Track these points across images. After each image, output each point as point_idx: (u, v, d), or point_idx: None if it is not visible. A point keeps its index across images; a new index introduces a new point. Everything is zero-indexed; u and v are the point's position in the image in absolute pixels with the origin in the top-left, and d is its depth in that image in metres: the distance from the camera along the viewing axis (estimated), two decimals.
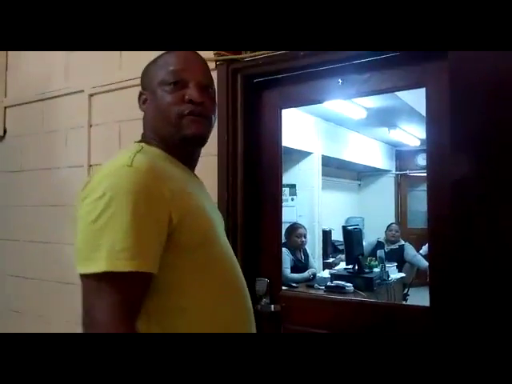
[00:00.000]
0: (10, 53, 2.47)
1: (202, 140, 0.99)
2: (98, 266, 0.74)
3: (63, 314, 2.16)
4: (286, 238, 3.74)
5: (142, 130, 2.00)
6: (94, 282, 0.76)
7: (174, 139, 0.96)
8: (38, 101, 2.32)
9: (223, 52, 1.69)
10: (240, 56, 1.69)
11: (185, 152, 0.99)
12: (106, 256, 0.74)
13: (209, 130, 0.99)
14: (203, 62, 1.04)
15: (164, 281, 0.81)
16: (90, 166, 2.10)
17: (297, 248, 3.82)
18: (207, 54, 1.71)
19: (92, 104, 2.12)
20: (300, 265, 3.75)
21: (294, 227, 3.85)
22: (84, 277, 0.78)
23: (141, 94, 1.05)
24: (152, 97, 1.00)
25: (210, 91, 1.01)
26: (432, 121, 1.43)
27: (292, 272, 3.61)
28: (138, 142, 1.00)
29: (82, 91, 2.13)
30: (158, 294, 0.81)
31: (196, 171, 1.79)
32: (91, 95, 2.12)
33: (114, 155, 0.92)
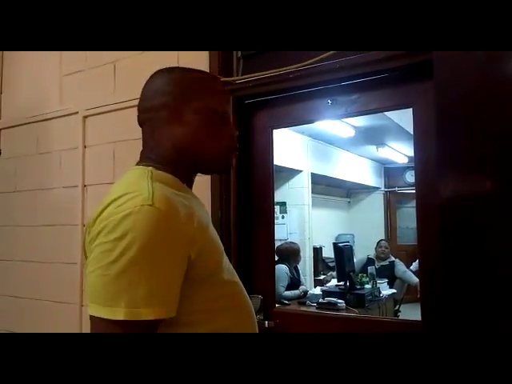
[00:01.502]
0: (5, 74, 2.51)
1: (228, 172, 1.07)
2: (117, 313, 0.70)
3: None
4: (287, 257, 3.87)
5: (135, 151, 2.04)
6: (109, 324, 0.71)
7: (206, 168, 0.96)
8: (32, 122, 2.34)
9: (215, 74, 1.74)
10: (231, 78, 1.74)
11: (194, 177, 0.96)
12: (125, 305, 0.70)
13: None
14: None
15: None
16: (85, 186, 2.13)
17: (295, 265, 3.95)
18: None
19: (86, 126, 2.15)
20: (295, 281, 3.83)
21: (297, 248, 4.00)
22: (98, 318, 0.72)
23: (166, 106, 0.89)
24: (187, 118, 0.89)
25: None
26: (419, 139, 1.48)
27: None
28: (143, 164, 0.91)
29: (76, 113, 2.17)
30: (169, 329, 0.78)
31: None
32: (85, 117, 2.15)
33: (121, 176, 0.90)
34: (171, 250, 0.75)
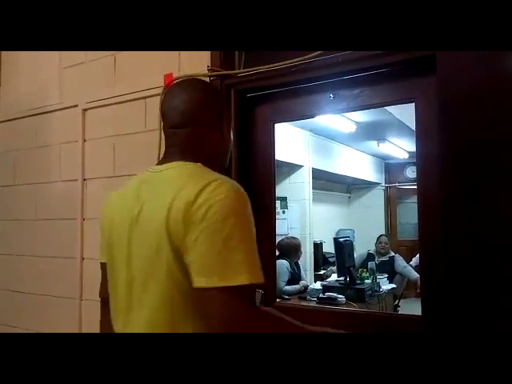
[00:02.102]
0: (3, 68, 2.50)
1: None
2: (243, 279, 0.83)
3: (53, 328, 2.15)
4: (288, 252, 3.87)
5: (135, 145, 2.03)
6: (235, 292, 0.83)
7: (220, 166, 1.11)
8: (31, 116, 2.33)
9: (217, 68, 1.73)
10: (233, 72, 1.73)
11: None
12: (247, 270, 0.84)
13: None
14: None
15: None
16: (84, 180, 2.12)
17: (296, 261, 3.96)
18: (201, 70, 1.75)
19: (86, 119, 2.14)
20: (295, 276, 3.83)
21: (298, 243, 4.01)
22: (223, 289, 0.83)
23: (210, 118, 1.06)
24: (224, 127, 1.08)
25: None
26: (421, 135, 1.47)
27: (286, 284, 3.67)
28: (191, 161, 1.00)
29: (76, 106, 2.15)
30: None
31: None
32: (85, 110, 2.14)
33: (178, 171, 0.97)
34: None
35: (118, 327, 1.00)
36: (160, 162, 1.03)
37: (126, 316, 0.96)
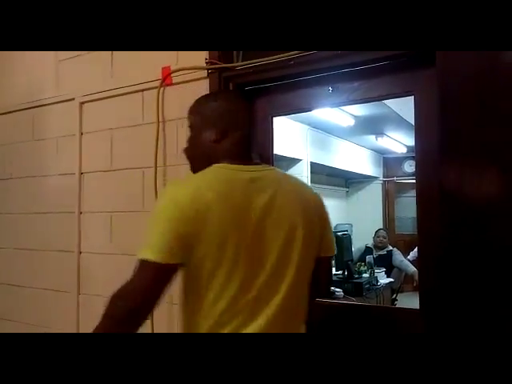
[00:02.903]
0: (0, 60, 2.47)
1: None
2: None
3: (50, 322, 2.15)
4: None
5: (132, 138, 2.02)
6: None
7: None
8: (28, 108, 2.31)
9: (215, 61, 1.72)
10: (231, 65, 1.72)
11: None
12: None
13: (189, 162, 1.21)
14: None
15: None
16: (82, 173, 2.11)
17: None
18: (199, 63, 1.74)
19: (83, 112, 2.13)
20: None
21: None
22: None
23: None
24: None
25: (189, 129, 1.22)
26: (420, 128, 1.46)
27: None
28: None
29: (73, 99, 2.14)
30: None
31: None
32: (82, 103, 2.12)
33: (276, 173, 1.17)
34: None
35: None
36: (246, 163, 1.10)
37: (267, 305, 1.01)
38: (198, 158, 1.17)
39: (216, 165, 1.09)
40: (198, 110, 1.20)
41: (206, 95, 1.31)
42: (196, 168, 1.15)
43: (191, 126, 1.21)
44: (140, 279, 0.96)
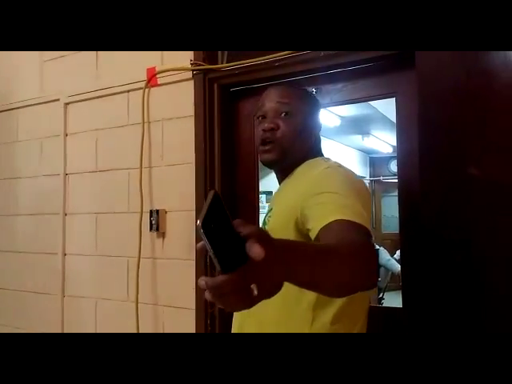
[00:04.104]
0: None
1: (273, 164, 1.15)
2: None
3: (35, 324, 2.13)
4: None
5: (118, 139, 2.02)
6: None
7: None
8: (12, 109, 2.30)
9: (200, 62, 1.72)
10: (216, 66, 1.73)
11: (277, 171, 1.20)
12: None
13: (280, 152, 1.11)
14: (281, 92, 1.18)
15: None
16: (66, 174, 2.10)
17: None
18: (184, 64, 1.74)
19: (68, 113, 2.12)
20: None
21: None
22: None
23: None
24: None
25: (284, 116, 1.13)
26: (402, 129, 1.49)
27: None
28: None
29: (58, 100, 2.13)
30: None
31: (173, 179, 1.82)
32: (67, 104, 2.11)
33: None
34: None
35: None
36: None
37: None
38: (299, 146, 1.13)
39: (330, 159, 1.14)
40: (304, 97, 1.20)
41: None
42: (289, 158, 1.12)
43: (294, 113, 1.14)
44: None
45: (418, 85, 1.33)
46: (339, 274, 0.67)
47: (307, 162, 1.13)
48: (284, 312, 1.00)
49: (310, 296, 0.97)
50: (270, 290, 0.53)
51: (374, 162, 7.21)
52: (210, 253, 0.47)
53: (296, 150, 1.13)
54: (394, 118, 1.54)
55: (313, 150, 1.18)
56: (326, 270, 0.64)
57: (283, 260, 0.55)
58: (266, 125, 1.12)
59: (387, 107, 3.91)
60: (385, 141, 5.98)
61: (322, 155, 1.21)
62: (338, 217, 0.83)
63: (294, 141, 1.12)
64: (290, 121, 1.13)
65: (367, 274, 0.75)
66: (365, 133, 5.57)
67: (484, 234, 1.22)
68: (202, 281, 0.49)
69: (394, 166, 6.73)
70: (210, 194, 0.49)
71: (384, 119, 4.29)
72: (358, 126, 5.11)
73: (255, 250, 0.48)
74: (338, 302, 0.99)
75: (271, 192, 4.95)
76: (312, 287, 0.69)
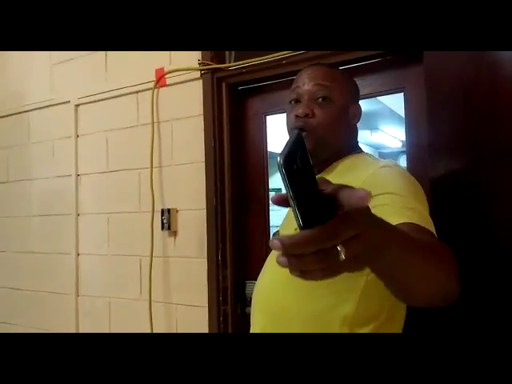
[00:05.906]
0: None
1: None
2: None
3: (49, 324, 2.16)
4: None
5: (128, 140, 2.04)
6: None
7: None
8: (24, 112, 2.33)
9: (208, 61, 1.74)
10: (224, 65, 1.74)
11: (320, 162, 1.03)
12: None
13: (314, 143, 0.97)
14: (321, 72, 1.04)
15: None
16: (78, 175, 2.12)
17: None
18: (192, 64, 1.76)
19: (78, 114, 2.14)
20: None
21: None
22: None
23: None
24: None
25: (322, 101, 1.00)
26: (411, 124, 1.49)
27: None
28: None
29: (68, 102, 2.15)
30: None
31: (184, 178, 1.83)
32: (77, 106, 2.14)
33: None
34: None
35: None
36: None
37: None
38: (336, 138, 1.01)
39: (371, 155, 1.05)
40: (346, 80, 1.06)
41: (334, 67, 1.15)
42: (325, 150, 1.00)
43: (334, 99, 1.01)
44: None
45: (426, 79, 1.33)
46: (435, 272, 0.58)
47: (350, 157, 1.01)
48: (312, 327, 0.84)
49: (346, 309, 0.84)
50: (356, 260, 0.41)
51: (383, 157, 7.17)
52: (291, 200, 0.38)
53: (332, 142, 1.00)
54: (402, 113, 1.54)
55: (351, 143, 1.06)
56: (420, 262, 0.53)
57: (380, 227, 0.45)
58: (300, 110, 0.98)
59: (395, 102, 3.89)
60: (394, 136, 5.95)
61: (360, 149, 1.09)
62: (406, 220, 0.72)
63: (331, 131, 0.99)
64: (329, 107, 0.99)
65: (458, 281, 0.65)
66: (373, 128, 5.54)
67: (496, 227, 1.21)
68: (276, 239, 0.38)
69: (403, 161, 6.69)
70: (294, 134, 0.41)
71: (392, 114, 4.27)
72: (367, 121, 5.09)
73: (360, 195, 0.38)
74: (381, 319, 0.87)
75: (280, 189, 4.95)
76: (397, 278, 0.56)
